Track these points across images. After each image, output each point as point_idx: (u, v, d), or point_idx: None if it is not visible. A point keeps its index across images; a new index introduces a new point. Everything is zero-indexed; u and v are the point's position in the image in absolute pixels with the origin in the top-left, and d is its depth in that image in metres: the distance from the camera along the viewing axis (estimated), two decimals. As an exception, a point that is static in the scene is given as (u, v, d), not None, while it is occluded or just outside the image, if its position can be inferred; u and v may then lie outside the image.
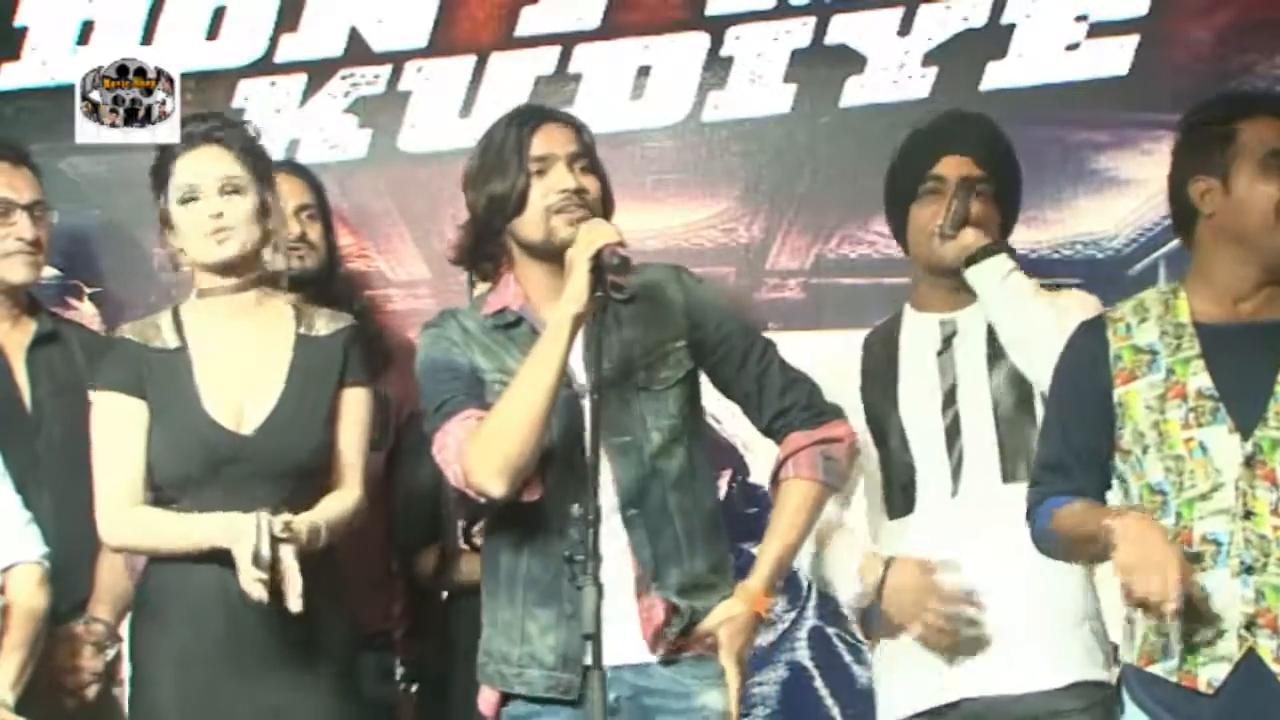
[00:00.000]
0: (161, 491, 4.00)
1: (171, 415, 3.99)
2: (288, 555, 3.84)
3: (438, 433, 3.73)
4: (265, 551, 3.81)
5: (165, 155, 4.07)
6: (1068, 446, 3.71)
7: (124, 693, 4.38)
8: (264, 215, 4.05)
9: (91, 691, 4.24)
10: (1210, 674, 3.54)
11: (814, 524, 3.83)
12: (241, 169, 4.04)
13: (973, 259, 4.03)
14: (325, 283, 4.56)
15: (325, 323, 4.09)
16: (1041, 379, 3.90)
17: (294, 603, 3.82)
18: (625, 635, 3.63)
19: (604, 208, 3.75)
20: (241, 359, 4.02)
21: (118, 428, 4.00)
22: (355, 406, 4.06)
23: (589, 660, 3.48)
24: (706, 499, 3.79)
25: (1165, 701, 3.59)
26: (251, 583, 3.81)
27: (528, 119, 3.77)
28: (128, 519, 3.99)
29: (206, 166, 4.02)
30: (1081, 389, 3.71)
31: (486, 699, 3.77)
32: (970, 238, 4.03)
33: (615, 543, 3.63)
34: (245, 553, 3.81)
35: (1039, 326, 3.94)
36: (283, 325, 4.07)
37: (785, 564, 3.82)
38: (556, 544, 3.65)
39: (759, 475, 3.80)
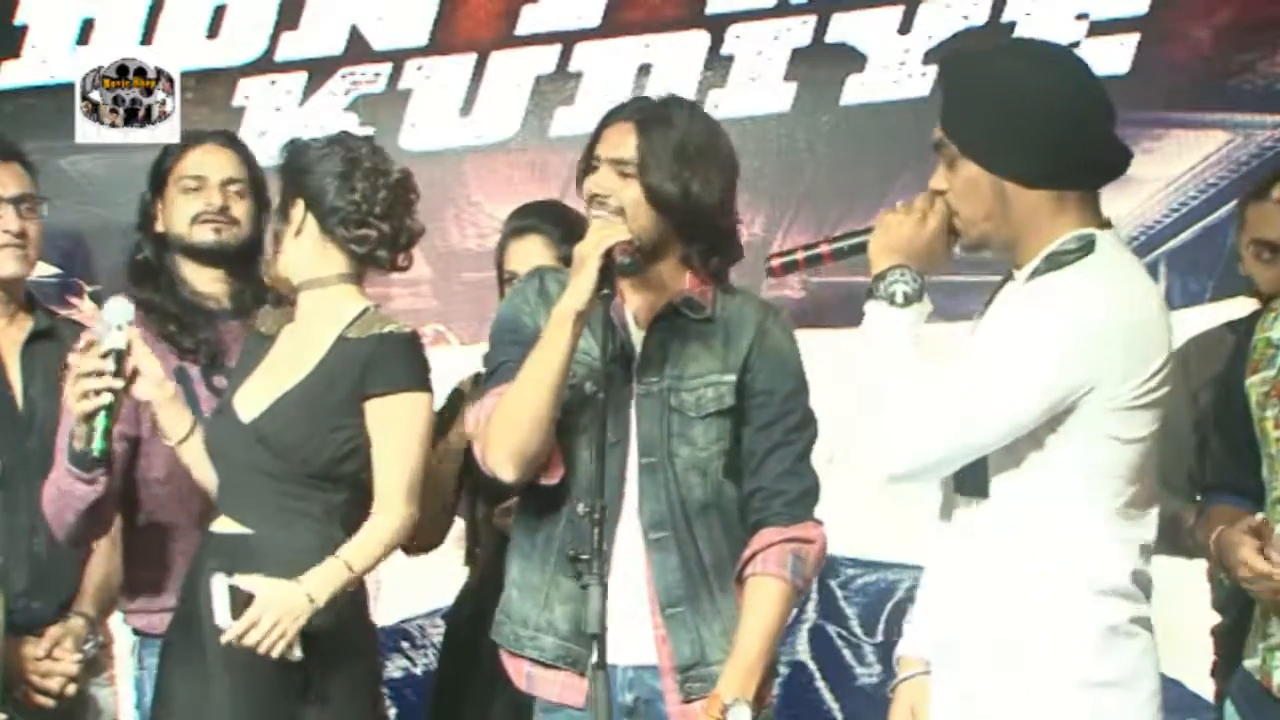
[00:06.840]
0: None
1: None
2: None
3: (475, 402, 3.70)
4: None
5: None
6: (1223, 439, 3.56)
7: (113, 690, 4.37)
8: None
9: (70, 689, 4.19)
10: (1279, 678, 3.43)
11: (784, 623, 3.63)
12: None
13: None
14: (250, 258, 4.27)
15: (366, 328, 3.86)
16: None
17: None
18: (643, 639, 3.62)
19: None
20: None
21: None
22: (385, 417, 3.85)
23: (596, 658, 3.45)
24: (743, 537, 3.68)
25: (1251, 698, 3.48)
26: None
27: None
28: None
29: None
30: (1234, 377, 3.53)
31: (514, 667, 3.71)
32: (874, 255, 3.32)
33: (639, 559, 3.62)
34: None
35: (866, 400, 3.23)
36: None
37: (760, 665, 3.58)
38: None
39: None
